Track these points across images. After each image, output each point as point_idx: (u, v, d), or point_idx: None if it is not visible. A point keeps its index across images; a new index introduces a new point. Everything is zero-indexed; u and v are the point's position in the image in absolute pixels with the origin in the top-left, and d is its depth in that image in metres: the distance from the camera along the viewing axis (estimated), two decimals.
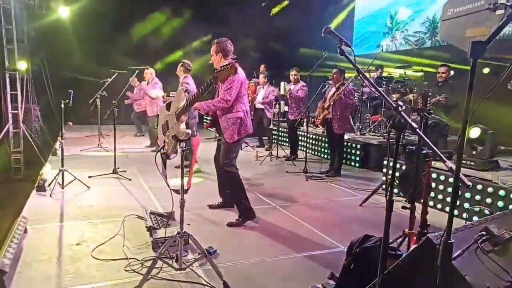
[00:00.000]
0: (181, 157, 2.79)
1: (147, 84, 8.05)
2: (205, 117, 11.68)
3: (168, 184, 2.81)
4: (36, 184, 4.93)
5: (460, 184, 1.54)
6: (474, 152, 4.43)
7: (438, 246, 1.58)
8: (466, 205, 4.23)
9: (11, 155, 6.32)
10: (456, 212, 4.18)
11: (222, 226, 3.93)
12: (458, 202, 4.19)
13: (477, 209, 4.10)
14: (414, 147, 3.00)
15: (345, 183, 5.83)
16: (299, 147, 8.16)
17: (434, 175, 4.57)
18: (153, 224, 3.57)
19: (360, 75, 1.94)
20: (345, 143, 7.02)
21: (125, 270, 2.92)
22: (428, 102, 3.78)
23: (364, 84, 8.04)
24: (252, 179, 5.89)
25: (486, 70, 6.41)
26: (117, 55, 10.77)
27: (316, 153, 8.20)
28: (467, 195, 4.24)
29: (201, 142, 7.74)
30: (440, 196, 4.59)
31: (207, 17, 11.81)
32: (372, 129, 8.22)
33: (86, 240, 3.47)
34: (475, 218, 4.04)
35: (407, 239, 3.03)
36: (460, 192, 4.14)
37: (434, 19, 9.45)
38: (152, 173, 5.56)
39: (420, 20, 9.93)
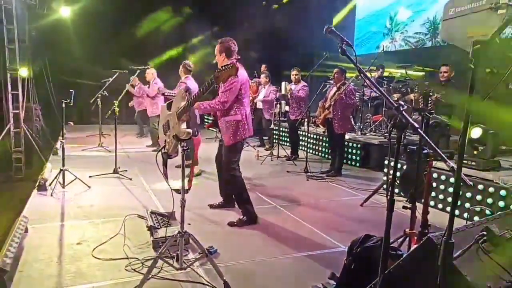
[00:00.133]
0: (182, 157, 2.80)
1: (148, 87, 8.08)
2: (206, 116, 11.69)
3: (168, 184, 2.81)
4: (37, 183, 4.93)
5: (462, 184, 1.54)
6: (475, 152, 4.43)
7: (439, 246, 1.58)
8: (467, 205, 4.22)
9: (12, 155, 6.33)
10: (457, 212, 4.18)
11: (222, 226, 3.93)
12: (459, 202, 4.18)
13: (478, 209, 4.09)
14: (415, 147, 2.99)
15: (346, 183, 5.83)
16: (300, 147, 8.16)
17: (435, 175, 4.57)
18: (154, 224, 3.57)
19: (361, 75, 1.94)
20: (346, 143, 7.01)
21: (126, 270, 2.93)
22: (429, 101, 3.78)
23: (365, 84, 8.04)
24: (253, 179, 5.89)
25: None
26: (119, 55, 10.76)
27: (317, 153, 8.20)
28: (468, 195, 4.23)
29: (202, 142, 7.75)
30: (441, 196, 4.58)
31: (208, 15, 11.83)
32: (373, 129, 8.22)
33: (86, 239, 3.47)
34: (476, 218, 4.04)
35: (408, 239, 3.02)
36: (461, 192, 4.13)
37: (435, 20, 9.41)
38: (153, 173, 5.56)
39: (420, 21, 9.89)
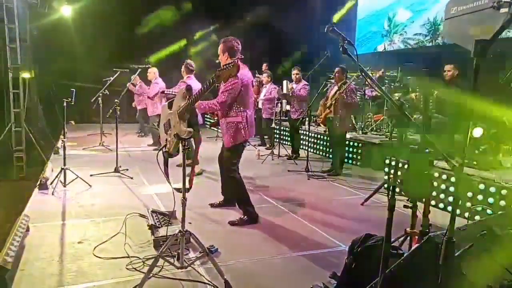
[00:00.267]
0: (183, 156, 2.80)
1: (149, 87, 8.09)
2: (206, 116, 11.70)
3: (170, 183, 2.81)
4: (38, 182, 4.94)
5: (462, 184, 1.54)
6: (476, 152, 4.42)
7: (440, 245, 1.58)
8: (468, 204, 4.22)
9: (14, 154, 6.34)
10: (458, 211, 4.17)
11: (223, 225, 3.93)
12: (460, 202, 4.18)
13: (479, 208, 4.09)
14: (416, 146, 2.99)
15: (347, 182, 5.83)
16: (301, 146, 8.16)
17: (436, 174, 4.56)
18: (155, 223, 3.57)
19: (363, 74, 1.93)
20: (347, 142, 7.01)
21: (127, 269, 2.93)
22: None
23: (366, 83, 8.03)
24: (253, 178, 5.89)
25: None
26: (120, 53, 10.76)
27: (318, 152, 8.20)
28: (469, 194, 4.23)
29: (203, 141, 7.74)
30: (442, 195, 4.58)
31: (209, 13, 11.84)
32: (374, 128, 8.21)
33: (88, 238, 3.47)
34: (477, 218, 4.03)
35: (409, 238, 3.02)
36: (461, 192, 4.12)
37: (435, 21, 9.34)
38: (154, 172, 5.56)
39: (420, 21, 9.82)
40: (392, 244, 2.24)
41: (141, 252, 3.20)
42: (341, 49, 1.97)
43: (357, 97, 7.19)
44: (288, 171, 6.51)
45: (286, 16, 12.04)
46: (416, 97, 6.73)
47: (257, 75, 9.28)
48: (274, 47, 12.18)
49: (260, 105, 8.48)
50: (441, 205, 4.58)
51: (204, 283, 2.76)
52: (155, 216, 3.74)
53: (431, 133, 4.87)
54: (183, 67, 6.17)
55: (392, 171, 4.13)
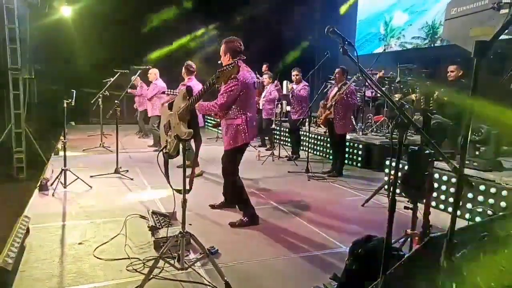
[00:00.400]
0: (183, 157, 2.79)
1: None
2: (208, 117, 11.70)
3: (170, 184, 2.81)
4: (39, 183, 4.94)
5: (463, 184, 1.53)
6: (477, 153, 4.42)
7: (441, 246, 1.58)
8: (469, 205, 4.21)
9: (14, 155, 6.34)
10: (458, 212, 4.16)
11: (224, 226, 3.92)
12: (460, 203, 4.17)
13: (479, 209, 4.08)
14: (417, 147, 2.98)
15: (347, 183, 5.82)
16: (301, 147, 8.16)
17: (436, 175, 4.56)
18: (155, 224, 3.57)
19: (363, 75, 1.93)
20: (347, 143, 7.01)
21: (127, 270, 2.93)
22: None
23: (366, 84, 8.03)
24: (254, 179, 5.89)
25: None
26: (120, 54, 10.78)
27: (318, 153, 8.19)
28: (470, 195, 4.22)
29: (203, 143, 7.74)
30: (442, 197, 4.57)
31: (210, 11, 11.86)
32: (375, 129, 8.21)
33: (88, 239, 3.47)
34: (477, 219, 4.03)
35: (409, 239, 3.02)
36: (463, 193, 4.12)
37: (434, 24, 9.30)
38: (154, 173, 5.56)
39: (418, 25, 9.77)
40: (393, 246, 2.24)
41: (141, 253, 3.20)
42: (341, 50, 1.97)
43: (358, 98, 7.20)
44: (288, 172, 6.51)
45: (286, 16, 12.07)
46: (416, 98, 6.73)
47: (257, 75, 9.28)
48: (274, 47, 12.19)
49: (260, 106, 8.48)
50: (442, 206, 4.58)
51: (205, 284, 2.76)
52: (156, 217, 3.74)
53: (431, 134, 4.87)
54: (183, 68, 6.07)
55: (392, 172, 4.11)
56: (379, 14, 11.22)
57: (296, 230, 3.89)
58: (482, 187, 4.11)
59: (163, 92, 6.86)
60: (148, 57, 11.60)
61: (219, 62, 3.82)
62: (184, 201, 2.76)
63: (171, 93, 5.91)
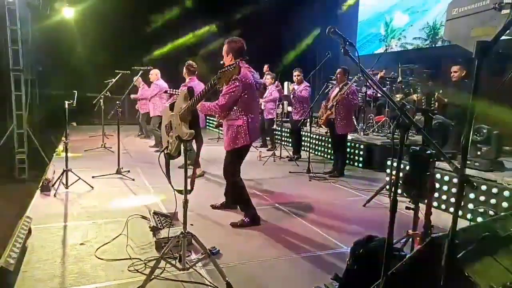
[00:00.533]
0: (185, 158, 2.80)
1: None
2: (209, 117, 11.72)
3: (171, 185, 2.81)
4: (40, 184, 4.95)
5: (465, 185, 1.53)
6: (478, 153, 4.41)
7: (442, 247, 1.58)
8: (470, 206, 4.21)
9: (16, 156, 6.36)
10: (460, 212, 4.16)
11: (225, 227, 3.93)
12: (462, 203, 4.17)
13: (481, 210, 4.08)
14: (418, 148, 2.98)
15: (349, 184, 5.82)
16: (303, 148, 8.16)
17: (438, 176, 4.55)
18: (157, 224, 3.57)
19: (364, 75, 1.93)
20: (349, 144, 7.01)
21: (129, 270, 2.93)
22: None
23: (367, 84, 8.03)
24: (255, 179, 5.89)
25: None
26: (121, 55, 10.79)
27: (319, 153, 8.19)
28: (471, 195, 4.22)
29: (205, 143, 7.75)
30: (444, 197, 4.57)
31: (211, 11, 11.89)
32: (376, 130, 8.20)
33: (90, 240, 3.48)
34: (479, 219, 4.02)
35: (411, 240, 3.02)
36: (464, 193, 4.11)
37: (435, 25, 9.28)
38: (156, 174, 5.57)
39: (419, 25, 9.74)
40: (394, 246, 2.24)
41: (143, 254, 3.20)
42: (342, 50, 1.97)
43: (359, 98, 7.19)
44: (290, 172, 6.51)
45: (286, 16, 12.08)
46: (418, 98, 6.73)
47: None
48: (274, 47, 12.20)
49: (262, 106, 8.49)
50: (443, 207, 4.57)
51: (206, 284, 2.76)
52: (157, 217, 3.74)
53: (433, 134, 4.87)
54: (184, 69, 6.04)
55: (394, 172, 4.12)
56: (380, 15, 11.21)
57: (297, 231, 3.89)
58: (483, 187, 4.10)
59: (166, 91, 6.85)
60: (148, 58, 11.62)
61: (221, 62, 3.80)
62: (186, 202, 2.76)
63: (173, 92, 5.88)
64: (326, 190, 5.56)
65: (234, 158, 3.88)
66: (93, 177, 5.53)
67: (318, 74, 10.10)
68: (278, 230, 3.89)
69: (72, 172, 5.10)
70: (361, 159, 7.06)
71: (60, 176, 5.01)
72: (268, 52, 11.62)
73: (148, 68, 7.77)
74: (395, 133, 1.82)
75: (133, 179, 5.61)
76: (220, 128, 4.85)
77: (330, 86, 7.85)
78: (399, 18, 10.33)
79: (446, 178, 4.53)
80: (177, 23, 12.38)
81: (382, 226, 2.06)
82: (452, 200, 4.44)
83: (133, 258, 3.10)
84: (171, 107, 3.03)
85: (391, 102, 1.80)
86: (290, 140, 8.54)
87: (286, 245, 3.53)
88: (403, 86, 7.58)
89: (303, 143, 8.28)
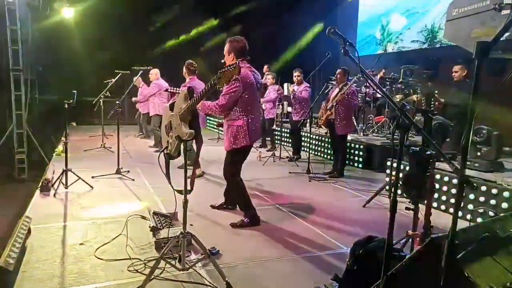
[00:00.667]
0: (185, 158, 2.80)
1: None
2: (209, 117, 11.70)
3: (171, 185, 2.81)
4: (40, 184, 4.95)
5: (465, 185, 1.53)
6: (478, 154, 4.41)
7: (442, 247, 1.58)
8: (470, 206, 4.21)
9: (15, 156, 6.36)
10: (460, 213, 4.16)
11: (225, 227, 3.93)
12: (462, 204, 4.17)
13: (481, 210, 4.08)
14: (418, 148, 2.98)
15: (348, 184, 5.82)
16: (302, 148, 8.16)
17: (438, 176, 4.55)
18: (156, 225, 3.57)
19: (364, 76, 1.93)
20: (348, 144, 7.01)
21: (128, 270, 2.93)
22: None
23: (367, 84, 8.03)
24: (254, 180, 5.88)
25: None
26: (121, 55, 10.79)
27: (319, 154, 8.19)
28: (471, 196, 4.22)
29: (204, 143, 7.75)
30: (444, 197, 4.57)
31: (211, 10, 11.90)
32: (376, 130, 8.21)
33: (89, 240, 3.48)
34: (479, 220, 4.02)
35: (410, 240, 3.02)
36: (464, 194, 4.11)
37: (433, 28, 9.24)
38: (156, 174, 5.57)
39: (417, 28, 9.69)
40: (394, 246, 2.24)
41: (142, 254, 3.20)
42: (342, 51, 1.97)
43: (359, 99, 7.19)
44: (289, 173, 6.51)
45: (287, 16, 12.08)
46: (418, 98, 6.73)
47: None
48: (274, 47, 12.20)
49: (263, 107, 8.48)
50: (443, 207, 4.57)
51: (206, 285, 2.76)
52: (157, 218, 3.74)
53: (432, 135, 4.87)
54: (184, 68, 6.01)
55: (393, 172, 4.13)
56: (378, 17, 11.20)
57: (297, 231, 3.89)
58: (483, 188, 4.10)
59: (166, 90, 6.83)
60: (148, 58, 11.61)
61: (222, 61, 3.78)
62: (185, 202, 2.76)
63: (174, 90, 5.85)
64: (326, 190, 5.56)
65: (234, 158, 3.87)
66: (92, 177, 5.53)
67: (318, 74, 10.09)
68: (278, 231, 3.89)
69: (72, 172, 5.10)
70: (360, 159, 7.06)
71: (59, 176, 5.00)
72: (268, 52, 11.64)
73: (148, 68, 7.76)
74: (395, 134, 1.83)
75: (133, 179, 5.61)
76: (221, 128, 4.86)
77: (330, 87, 7.85)
78: (396, 21, 10.29)
79: (446, 178, 4.53)
80: (178, 23, 12.38)
81: (382, 227, 2.06)
82: (452, 200, 4.44)
83: (132, 258, 3.09)
84: (171, 107, 3.02)
85: (391, 103, 1.80)
86: (290, 140, 8.54)
87: (286, 245, 3.53)
88: (403, 87, 7.58)
89: (303, 144, 8.28)
